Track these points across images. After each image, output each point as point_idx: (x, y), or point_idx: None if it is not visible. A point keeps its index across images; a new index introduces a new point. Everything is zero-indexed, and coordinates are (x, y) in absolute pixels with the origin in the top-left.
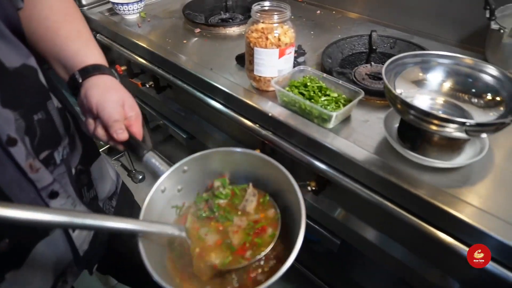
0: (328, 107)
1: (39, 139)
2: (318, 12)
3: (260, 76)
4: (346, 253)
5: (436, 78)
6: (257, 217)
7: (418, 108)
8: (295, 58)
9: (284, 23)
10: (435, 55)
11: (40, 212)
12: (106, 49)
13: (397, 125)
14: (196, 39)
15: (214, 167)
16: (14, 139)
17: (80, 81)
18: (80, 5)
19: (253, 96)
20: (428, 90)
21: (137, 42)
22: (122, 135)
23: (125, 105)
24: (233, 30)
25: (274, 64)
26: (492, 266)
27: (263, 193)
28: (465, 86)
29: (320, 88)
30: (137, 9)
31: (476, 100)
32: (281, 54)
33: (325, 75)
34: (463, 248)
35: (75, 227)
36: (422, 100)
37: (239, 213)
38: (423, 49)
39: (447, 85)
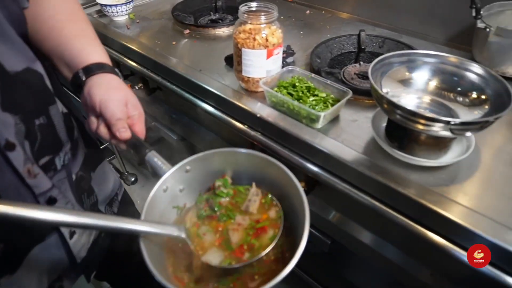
0: (317, 107)
1: (39, 144)
2: (308, 12)
3: (248, 77)
4: (337, 252)
5: (422, 77)
6: (259, 217)
7: (404, 108)
8: (284, 58)
9: (271, 24)
10: (420, 54)
11: (44, 211)
12: None
13: (384, 124)
14: (185, 40)
15: (217, 167)
16: (12, 144)
17: (84, 79)
18: None
19: (242, 97)
20: (414, 89)
21: (126, 44)
22: (125, 134)
23: (128, 104)
24: (223, 31)
25: (262, 65)
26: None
27: (266, 193)
28: (451, 84)
29: (308, 88)
30: (126, 10)
31: (461, 99)
32: (269, 55)
33: (313, 75)
34: (450, 247)
35: (77, 226)
36: (409, 99)
37: (242, 212)
38: (411, 48)
39: (433, 84)
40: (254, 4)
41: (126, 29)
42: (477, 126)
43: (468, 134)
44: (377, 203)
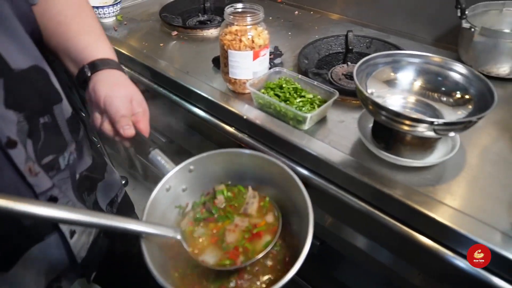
0: (303, 109)
1: (43, 143)
2: (296, 12)
3: (235, 79)
4: (326, 254)
5: (407, 77)
6: (258, 221)
7: (389, 109)
8: (272, 59)
9: (257, 25)
10: (405, 55)
11: (47, 208)
12: None
13: (371, 125)
14: (173, 42)
15: (220, 168)
16: (14, 141)
17: (89, 74)
18: None
19: (229, 99)
20: (399, 89)
21: (113, 46)
22: (129, 131)
23: (133, 100)
24: (211, 32)
25: (248, 67)
26: (464, 264)
27: (264, 196)
28: (435, 84)
29: (295, 90)
30: (114, 12)
31: (446, 99)
32: (256, 56)
33: (300, 76)
34: (437, 248)
35: (73, 223)
36: (394, 100)
37: (241, 214)
38: (398, 48)
39: (418, 84)
40: (240, 5)
41: (114, 31)
42: (461, 126)
43: (452, 134)
44: (364, 205)
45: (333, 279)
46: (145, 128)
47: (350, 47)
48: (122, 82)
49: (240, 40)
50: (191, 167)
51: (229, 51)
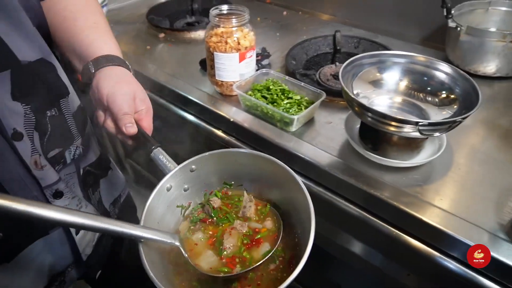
0: (291, 110)
1: (49, 136)
2: (285, 13)
3: (222, 81)
4: (317, 255)
5: (393, 77)
6: (258, 226)
7: (374, 110)
8: (259, 60)
9: (243, 26)
10: (390, 55)
11: (42, 208)
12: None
13: (358, 126)
14: (160, 44)
15: (223, 167)
16: (20, 134)
17: (93, 71)
18: None
19: (216, 102)
20: (386, 90)
21: None
22: (131, 129)
23: (136, 98)
24: (199, 34)
25: (235, 69)
26: (452, 264)
27: (265, 204)
28: (421, 84)
29: (283, 91)
30: None
31: (432, 99)
32: (242, 58)
33: (287, 77)
34: (424, 248)
35: (71, 225)
36: (381, 100)
37: (242, 218)
38: (386, 48)
39: (404, 84)
40: (225, 7)
41: None
42: (445, 126)
43: (437, 134)
44: (352, 206)
45: (325, 279)
46: (148, 126)
47: (338, 47)
48: (126, 79)
49: (226, 42)
50: (193, 166)
51: (215, 53)
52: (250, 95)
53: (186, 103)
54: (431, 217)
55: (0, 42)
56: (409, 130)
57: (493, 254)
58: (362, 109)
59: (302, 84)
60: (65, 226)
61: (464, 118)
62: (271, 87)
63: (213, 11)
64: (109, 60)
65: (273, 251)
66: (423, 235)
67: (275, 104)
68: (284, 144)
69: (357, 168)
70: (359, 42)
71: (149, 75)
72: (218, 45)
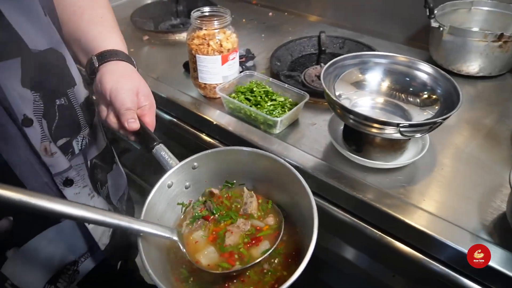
0: (274, 112)
1: (57, 124)
2: (270, 14)
3: (205, 84)
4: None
5: (376, 78)
6: (261, 224)
7: (356, 112)
8: (244, 62)
9: (226, 28)
10: (372, 55)
11: (37, 198)
12: None
13: (342, 127)
14: (144, 47)
15: (225, 166)
16: (30, 119)
17: (97, 65)
18: None
19: (200, 104)
20: (368, 91)
21: None
22: (134, 125)
23: (139, 93)
24: (183, 36)
25: (218, 71)
26: (436, 266)
27: (267, 201)
28: (404, 85)
29: (266, 93)
30: None
31: (414, 99)
32: (224, 60)
33: (271, 79)
34: (408, 250)
35: (67, 217)
36: (364, 101)
37: (244, 216)
38: (370, 48)
39: (386, 84)
40: (206, 9)
41: None
42: (426, 127)
43: (418, 135)
44: (335, 209)
45: (317, 280)
46: (151, 122)
47: (323, 48)
48: (130, 74)
49: (208, 45)
50: (195, 163)
51: (197, 56)
52: (234, 97)
53: (169, 106)
54: (414, 220)
55: (11, 30)
56: (390, 132)
57: None
58: (344, 111)
59: (286, 85)
60: (57, 217)
61: (444, 119)
62: (254, 89)
63: (194, 13)
64: (113, 54)
65: (272, 248)
66: (407, 237)
67: (258, 106)
68: (267, 147)
69: (340, 170)
70: (344, 42)
71: None
72: (200, 48)
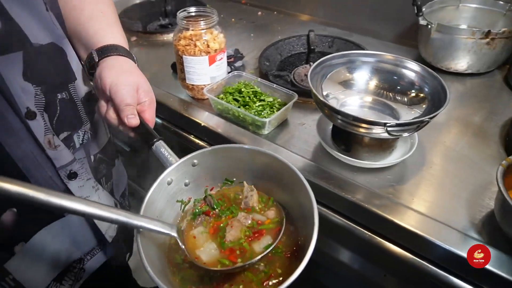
0: (263, 113)
1: (58, 118)
2: (260, 13)
3: (193, 85)
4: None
5: (363, 77)
6: (262, 218)
7: (343, 112)
8: (232, 62)
9: (213, 28)
10: (360, 54)
11: (35, 191)
12: None
13: (331, 127)
14: (132, 48)
15: (225, 163)
16: (33, 112)
17: (97, 60)
18: None
19: (188, 106)
20: (356, 90)
21: None
22: (133, 121)
23: (139, 89)
24: (171, 37)
25: (205, 72)
26: (425, 265)
27: (268, 197)
28: (391, 83)
29: (255, 93)
30: None
31: (401, 98)
32: (212, 61)
33: (259, 79)
34: (397, 250)
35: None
36: (352, 101)
37: (245, 210)
38: (359, 46)
39: (374, 83)
40: (193, 9)
41: None
42: (413, 126)
43: (406, 134)
44: (323, 209)
45: (310, 279)
46: (151, 118)
47: (312, 47)
48: (130, 69)
49: (195, 45)
50: (195, 161)
51: (184, 57)
52: (222, 98)
53: (157, 108)
54: (403, 220)
55: (14, 24)
56: (378, 131)
57: (464, 255)
58: (331, 112)
59: (275, 85)
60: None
61: (431, 118)
62: (243, 89)
63: (180, 14)
64: (113, 49)
65: (275, 243)
66: (396, 238)
67: (247, 107)
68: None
69: (329, 170)
70: (333, 41)
71: None
72: (186, 49)
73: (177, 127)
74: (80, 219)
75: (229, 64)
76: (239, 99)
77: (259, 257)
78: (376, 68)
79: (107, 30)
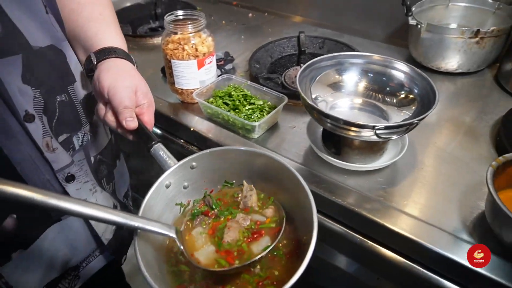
0: (253, 116)
1: (57, 120)
2: (250, 15)
3: (182, 89)
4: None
5: (353, 79)
6: (261, 218)
7: (332, 116)
8: (222, 65)
9: (201, 32)
10: (348, 56)
11: (32, 192)
12: None
13: (321, 130)
14: None
15: (224, 166)
16: (32, 115)
17: (95, 62)
18: None
19: (178, 110)
20: (346, 92)
21: None
22: (132, 123)
23: (137, 92)
24: None
25: (194, 76)
26: (417, 269)
27: (268, 196)
28: (381, 85)
29: (245, 97)
30: None
31: (391, 99)
32: (201, 65)
33: (249, 82)
34: (389, 253)
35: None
36: (342, 103)
37: (243, 211)
38: (350, 47)
39: (364, 85)
40: (180, 12)
41: None
42: (403, 129)
43: (395, 137)
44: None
45: (314, 283)
46: (149, 120)
47: (303, 49)
48: (128, 72)
49: (183, 49)
50: (194, 163)
51: (172, 61)
52: (211, 102)
53: None
54: (395, 224)
55: (13, 27)
56: (367, 134)
57: (455, 258)
58: (320, 115)
59: (265, 88)
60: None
61: (420, 120)
62: (232, 93)
63: (168, 17)
64: (112, 52)
65: (273, 245)
66: (388, 241)
67: (237, 110)
68: None
69: (320, 174)
70: (324, 42)
71: None
72: (175, 52)
73: (167, 132)
74: (78, 224)
75: (219, 67)
76: (229, 102)
77: (256, 258)
78: (365, 70)
79: (106, 32)
